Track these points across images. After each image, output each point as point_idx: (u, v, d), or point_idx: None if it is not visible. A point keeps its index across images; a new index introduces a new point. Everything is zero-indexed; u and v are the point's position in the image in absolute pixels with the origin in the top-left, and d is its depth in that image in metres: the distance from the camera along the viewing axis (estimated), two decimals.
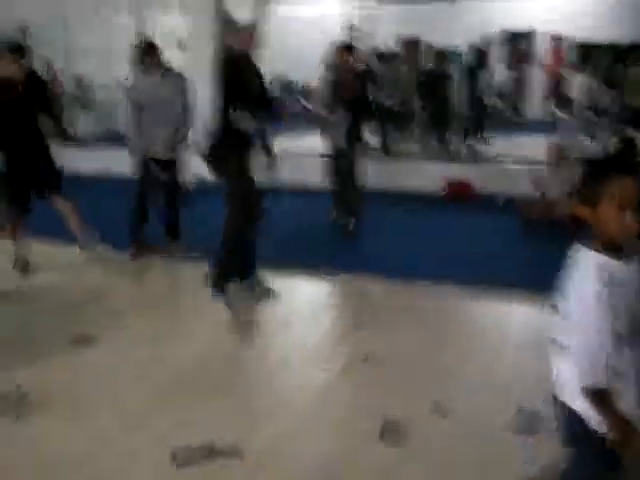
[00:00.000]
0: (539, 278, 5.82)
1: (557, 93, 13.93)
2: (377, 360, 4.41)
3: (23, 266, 6.36)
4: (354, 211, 7.75)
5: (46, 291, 5.94)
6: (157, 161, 6.69)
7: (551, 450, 2.91)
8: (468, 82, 12.35)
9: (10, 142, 6.17)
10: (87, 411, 3.83)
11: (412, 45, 16.04)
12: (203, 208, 8.28)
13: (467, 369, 4.29)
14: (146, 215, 6.79)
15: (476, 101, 12.24)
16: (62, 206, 6.45)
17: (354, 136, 7.61)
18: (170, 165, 6.77)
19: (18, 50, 6.22)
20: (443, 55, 11.60)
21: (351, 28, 18.23)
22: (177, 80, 6.76)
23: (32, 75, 6.37)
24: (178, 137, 6.74)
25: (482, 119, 12.60)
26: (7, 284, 6.03)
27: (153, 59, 6.61)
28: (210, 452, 3.38)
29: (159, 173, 6.69)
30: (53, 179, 6.41)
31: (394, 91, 12.40)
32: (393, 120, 12.36)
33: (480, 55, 12.91)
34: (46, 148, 6.39)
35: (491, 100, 13.20)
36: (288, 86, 19.56)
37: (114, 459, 3.35)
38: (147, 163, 6.66)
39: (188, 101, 6.78)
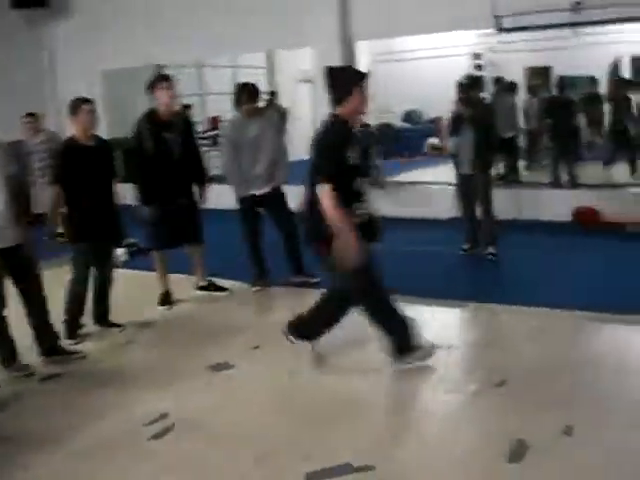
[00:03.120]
0: None
1: None
2: (509, 384, 4.48)
3: (166, 299, 6.69)
4: (491, 239, 7.82)
5: (185, 321, 6.31)
6: (257, 196, 6.84)
7: None
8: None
9: (164, 186, 6.33)
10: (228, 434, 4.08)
11: (538, 74, 15.91)
12: None
13: (599, 394, 4.31)
14: (258, 251, 6.96)
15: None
16: (194, 251, 6.81)
17: (482, 163, 7.70)
18: (273, 198, 6.89)
19: (168, 79, 6.39)
20: (568, 83, 11.47)
21: (477, 60, 18.31)
22: (275, 117, 7.04)
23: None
24: (276, 170, 6.90)
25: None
26: (152, 315, 6.44)
27: (251, 101, 6.79)
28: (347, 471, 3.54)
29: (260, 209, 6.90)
30: (198, 229, 6.68)
31: (516, 121, 12.36)
32: (516, 149, 12.31)
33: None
34: (192, 194, 6.65)
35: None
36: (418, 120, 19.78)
37: None
38: (247, 201, 6.85)
39: (282, 136, 7.04)
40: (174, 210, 6.41)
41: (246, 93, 6.81)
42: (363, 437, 3.92)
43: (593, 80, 12.88)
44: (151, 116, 6.36)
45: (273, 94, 12.58)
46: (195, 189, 6.70)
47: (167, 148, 6.31)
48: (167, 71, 12.80)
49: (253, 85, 6.95)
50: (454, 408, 4.32)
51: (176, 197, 6.43)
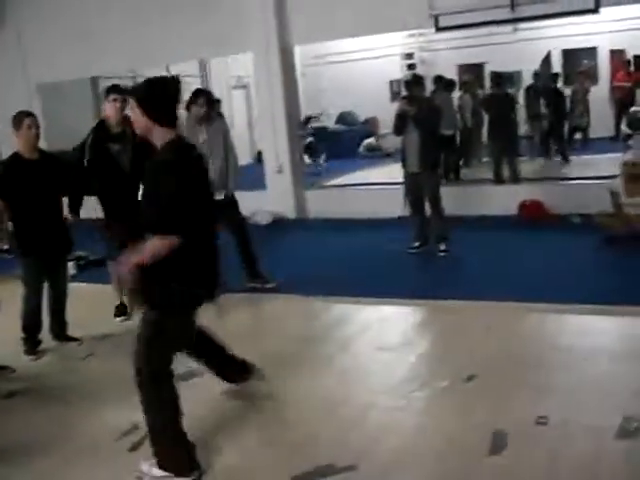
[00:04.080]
0: (629, 290, 5.95)
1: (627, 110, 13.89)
2: (478, 378, 4.53)
3: (122, 310, 6.57)
4: (442, 236, 7.92)
5: None
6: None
7: None
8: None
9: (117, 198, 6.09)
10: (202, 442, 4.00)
11: (473, 71, 16.19)
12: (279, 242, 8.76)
13: (565, 380, 4.41)
14: None
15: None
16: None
17: (429, 162, 7.78)
18: (225, 204, 6.79)
19: (116, 91, 6.06)
20: (504, 78, 11.69)
21: (408, 60, 18.53)
22: (220, 124, 7.06)
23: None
24: (228, 177, 6.91)
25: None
26: (109, 327, 6.31)
27: (208, 107, 6.77)
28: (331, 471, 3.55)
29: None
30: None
31: (455, 119, 12.55)
32: (455, 147, 12.50)
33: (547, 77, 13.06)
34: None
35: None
36: (353, 122, 19.82)
37: None
38: None
39: (230, 142, 7.01)
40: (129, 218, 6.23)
41: (203, 97, 6.80)
42: (343, 437, 3.92)
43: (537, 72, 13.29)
44: (99, 127, 6.18)
45: (218, 102, 12.55)
46: None
47: (113, 160, 6.03)
48: (102, 83, 12.69)
49: (211, 93, 6.92)
50: (427, 405, 4.33)
51: (131, 207, 6.24)
